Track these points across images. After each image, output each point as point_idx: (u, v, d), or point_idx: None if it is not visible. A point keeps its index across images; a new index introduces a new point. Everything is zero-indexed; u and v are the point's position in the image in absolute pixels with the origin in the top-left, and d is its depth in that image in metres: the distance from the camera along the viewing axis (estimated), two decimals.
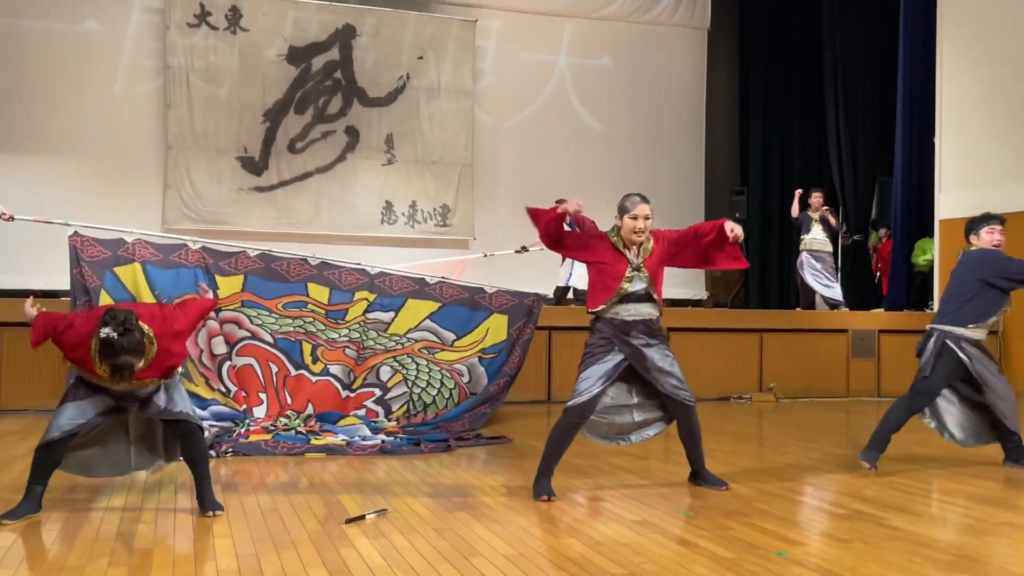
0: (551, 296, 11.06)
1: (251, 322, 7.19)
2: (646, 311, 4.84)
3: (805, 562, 3.61)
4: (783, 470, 5.68)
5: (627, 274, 4.81)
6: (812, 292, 11.47)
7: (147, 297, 6.77)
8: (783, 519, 4.36)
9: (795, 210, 11.61)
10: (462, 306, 7.67)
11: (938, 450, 6.25)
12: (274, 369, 7.14)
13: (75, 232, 7.11)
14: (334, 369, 7.25)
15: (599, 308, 4.82)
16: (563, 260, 11.30)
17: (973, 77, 11.60)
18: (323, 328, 7.37)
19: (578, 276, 11.02)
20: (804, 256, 11.39)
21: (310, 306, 7.38)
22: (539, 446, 6.47)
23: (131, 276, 6.95)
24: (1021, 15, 10.85)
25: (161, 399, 4.29)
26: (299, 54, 13.11)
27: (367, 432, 6.63)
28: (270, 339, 7.19)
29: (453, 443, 6.43)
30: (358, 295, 7.48)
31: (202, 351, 7.08)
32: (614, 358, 4.80)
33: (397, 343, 7.46)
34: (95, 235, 7.13)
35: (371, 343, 7.40)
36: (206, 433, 6.12)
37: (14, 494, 4.28)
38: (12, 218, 8.35)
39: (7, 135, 11.81)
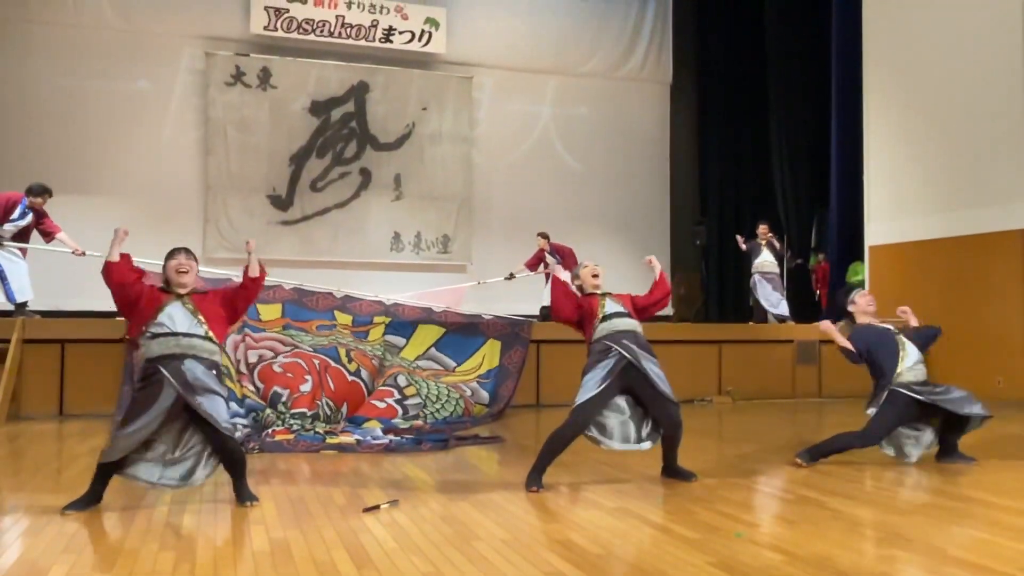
0: (538, 314, 11.10)
1: (292, 339, 7.30)
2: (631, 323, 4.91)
3: (759, 541, 3.62)
4: (740, 462, 5.69)
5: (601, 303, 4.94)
6: (764, 308, 11.52)
7: None
8: (740, 504, 4.37)
9: (742, 246, 11.68)
10: (463, 335, 7.85)
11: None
12: (316, 363, 7.21)
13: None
14: (363, 373, 7.34)
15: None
16: (547, 281, 11.31)
17: (895, 124, 11.72)
18: (352, 341, 7.47)
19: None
20: (756, 277, 11.46)
21: (338, 327, 7.50)
22: (529, 445, 6.49)
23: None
24: (938, 66, 10.96)
25: (206, 394, 4.08)
26: (320, 107, 13.16)
27: (378, 433, 6.62)
28: (310, 349, 7.28)
29: (453, 441, 6.39)
30: (376, 319, 7.67)
31: (239, 360, 7.09)
32: (611, 362, 4.73)
33: (409, 366, 7.60)
34: (154, 269, 7.08)
35: (389, 360, 7.53)
36: (237, 433, 6.12)
37: (78, 487, 4.25)
38: (84, 253, 8.36)
39: (72, 179, 11.80)
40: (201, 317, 4.19)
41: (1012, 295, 9.98)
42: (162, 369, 4.06)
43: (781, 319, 11.34)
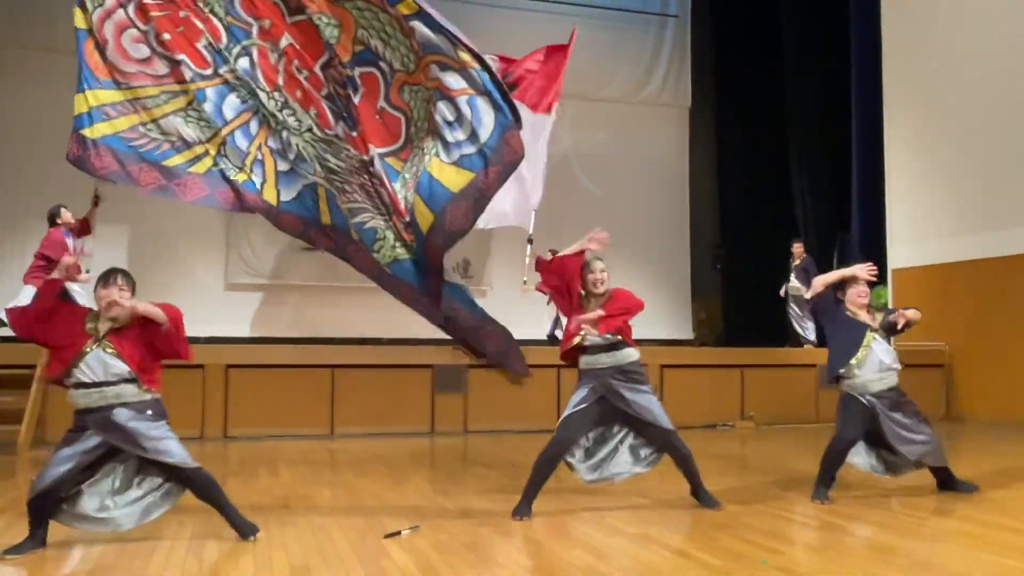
0: (546, 339, 11.11)
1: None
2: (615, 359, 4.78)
3: (785, 568, 3.58)
4: (763, 488, 5.64)
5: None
6: (796, 331, 11.54)
7: None
8: (765, 531, 4.33)
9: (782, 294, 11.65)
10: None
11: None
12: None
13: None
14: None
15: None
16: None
17: (917, 144, 11.67)
18: None
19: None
20: (789, 300, 11.53)
21: None
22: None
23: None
24: (959, 86, 10.91)
25: (148, 440, 3.90)
26: None
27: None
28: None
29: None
30: None
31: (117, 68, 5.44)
32: (586, 390, 4.76)
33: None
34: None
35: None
36: None
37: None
38: (86, 271, 7.89)
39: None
40: (121, 361, 3.89)
41: None
42: (90, 425, 3.89)
43: (805, 342, 11.32)
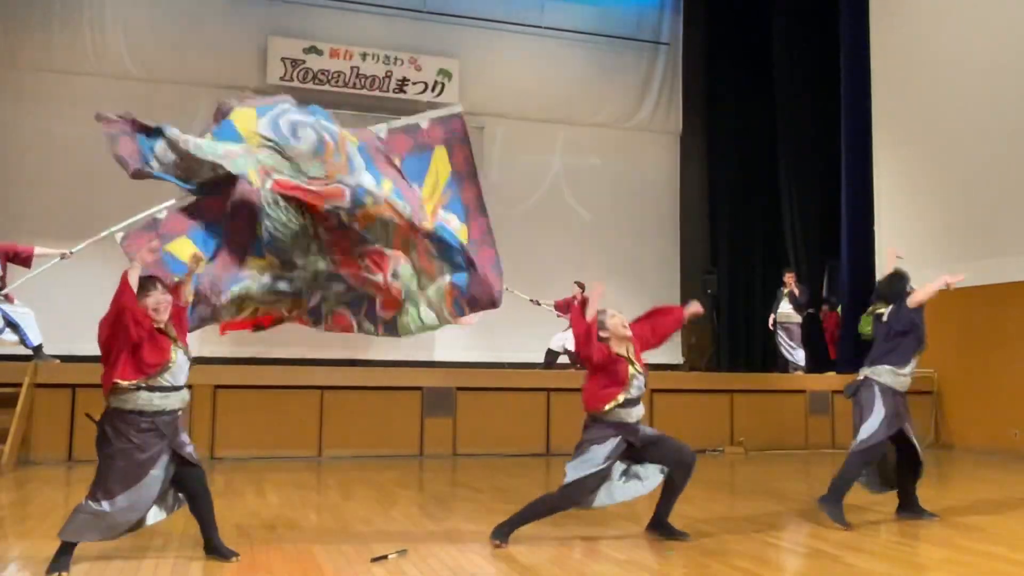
0: (542, 361, 11.04)
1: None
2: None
3: None
4: (753, 514, 5.62)
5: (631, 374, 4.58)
6: (786, 359, 11.56)
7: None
8: (754, 557, 4.31)
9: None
10: (412, 155, 6.07)
11: (883, 497, 6.15)
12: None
13: (123, 237, 6.30)
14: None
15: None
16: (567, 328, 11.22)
17: (906, 173, 11.76)
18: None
19: (571, 338, 10.94)
20: (778, 327, 11.57)
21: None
22: (538, 496, 6.41)
23: (182, 248, 5.57)
24: (948, 114, 11.02)
25: (189, 446, 3.98)
26: None
27: None
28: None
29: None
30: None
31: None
32: (611, 446, 4.53)
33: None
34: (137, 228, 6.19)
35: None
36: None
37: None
38: (71, 253, 7.79)
39: (90, 229, 11.80)
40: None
41: None
42: (159, 426, 3.84)
43: (795, 368, 11.34)
